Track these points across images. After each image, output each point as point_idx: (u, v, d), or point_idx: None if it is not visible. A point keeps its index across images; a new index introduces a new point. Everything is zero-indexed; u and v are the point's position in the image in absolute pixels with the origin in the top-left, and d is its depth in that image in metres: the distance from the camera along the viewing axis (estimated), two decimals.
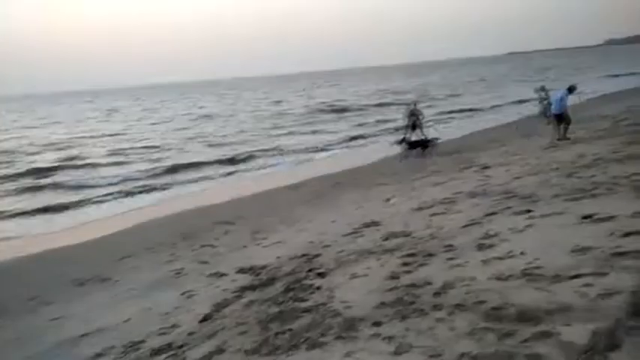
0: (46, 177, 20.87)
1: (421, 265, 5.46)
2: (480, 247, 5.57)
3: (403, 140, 18.03)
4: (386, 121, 31.11)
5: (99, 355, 5.02)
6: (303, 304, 5.13)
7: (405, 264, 5.61)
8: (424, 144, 18.00)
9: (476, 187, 9.42)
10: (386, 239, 6.98)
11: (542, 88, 21.80)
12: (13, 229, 13.48)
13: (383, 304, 4.64)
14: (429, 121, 20.76)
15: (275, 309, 5.21)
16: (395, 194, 10.70)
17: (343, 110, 42.36)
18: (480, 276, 4.68)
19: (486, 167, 11.74)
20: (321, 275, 6.04)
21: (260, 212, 11.79)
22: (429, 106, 36.86)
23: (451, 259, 5.44)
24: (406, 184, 11.96)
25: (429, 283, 4.81)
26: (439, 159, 15.57)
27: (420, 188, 10.85)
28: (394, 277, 5.29)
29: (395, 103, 44.35)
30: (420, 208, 8.60)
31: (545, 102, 20.82)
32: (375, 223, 8.20)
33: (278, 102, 61.58)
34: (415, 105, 19.02)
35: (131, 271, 8.32)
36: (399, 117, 25.86)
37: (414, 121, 18.34)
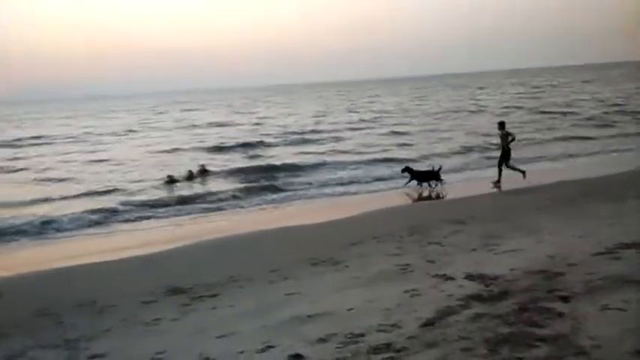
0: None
1: None
2: None
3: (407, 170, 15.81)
4: None
5: (322, 339, 5.16)
6: (540, 331, 4.49)
7: None
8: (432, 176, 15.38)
9: None
10: None
11: (501, 125, 16.00)
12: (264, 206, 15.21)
13: None
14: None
15: (505, 329, 4.69)
16: None
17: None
18: None
19: None
20: (563, 299, 5.26)
21: (492, 215, 11.03)
22: None
23: None
24: None
25: None
26: None
27: None
28: None
29: None
30: None
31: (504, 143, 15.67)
32: (636, 245, 6.88)
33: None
34: None
35: (359, 259, 8.52)
36: None
37: None
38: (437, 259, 7.86)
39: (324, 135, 33.10)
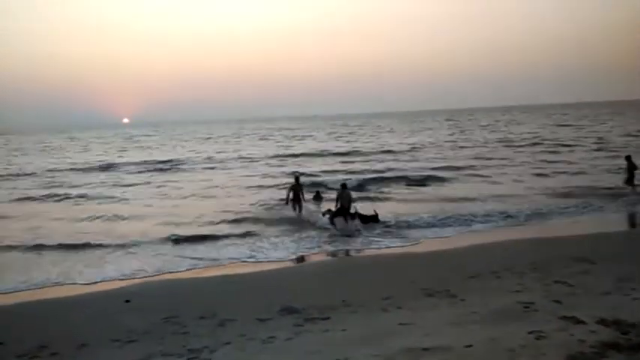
0: None
1: None
2: None
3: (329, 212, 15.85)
4: None
5: None
6: None
7: None
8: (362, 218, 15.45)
9: None
10: None
11: (343, 187, 16.56)
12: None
13: None
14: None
15: None
16: None
17: None
18: None
19: None
20: None
21: (624, 255, 10.07)
22: None
23: None
24: None
25: None
26: None
27: None
28: None
29: None
30: None
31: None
32: None
33: None
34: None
35: (477, 293, 8.16)
36: None
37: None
38: (564, 300, 7.29)
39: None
